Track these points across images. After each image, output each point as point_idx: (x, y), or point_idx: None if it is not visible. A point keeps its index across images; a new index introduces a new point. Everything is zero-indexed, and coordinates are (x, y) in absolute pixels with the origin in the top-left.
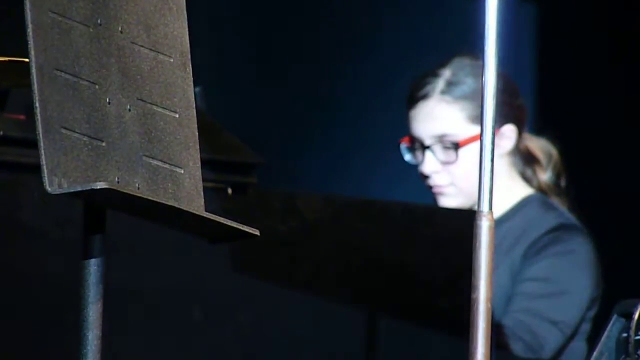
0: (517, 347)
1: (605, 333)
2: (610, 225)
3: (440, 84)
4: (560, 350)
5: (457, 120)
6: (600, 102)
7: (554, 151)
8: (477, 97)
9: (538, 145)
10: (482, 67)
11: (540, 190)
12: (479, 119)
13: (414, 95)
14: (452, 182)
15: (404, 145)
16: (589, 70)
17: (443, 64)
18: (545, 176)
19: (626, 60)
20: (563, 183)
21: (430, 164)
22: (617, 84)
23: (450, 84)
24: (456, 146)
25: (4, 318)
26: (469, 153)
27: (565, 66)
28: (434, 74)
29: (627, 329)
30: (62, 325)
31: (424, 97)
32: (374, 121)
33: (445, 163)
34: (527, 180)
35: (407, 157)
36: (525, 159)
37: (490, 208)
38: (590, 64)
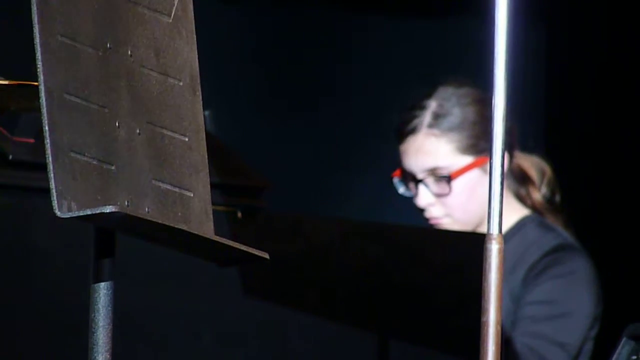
0: None
1: (615, 356)
2: (608, 242)
3: (427, 117)
4: None
5: (446, 153)
6: (607, 121)
7: (547, 168)
8: (465, 127)
9: (531, 163)
10: (491, 90)
11: (535, 208)
12: (469, 149)
13: (402, 130)
14: (447, 213)
15: (397, 179)
16: (595, 91)
17: (428, 94)
18: (539, 194)
19: (634, 82)
20: (557, 199)
21: (424, 198)
22: (626, 103)
23: (438, 117)
24: (448, 179)
25: (13, 340)
26: (462, 183)
27: (573, 87)
28: (420, 106)
29: (636, 351)
30: (72, 349)
31: (412, 131)
32: (383, 145)
33: (439, 195)
34: (521, 199)
35: (401, 190)
36: (518, 179)
37: (500, 231)
38: (597, 86)
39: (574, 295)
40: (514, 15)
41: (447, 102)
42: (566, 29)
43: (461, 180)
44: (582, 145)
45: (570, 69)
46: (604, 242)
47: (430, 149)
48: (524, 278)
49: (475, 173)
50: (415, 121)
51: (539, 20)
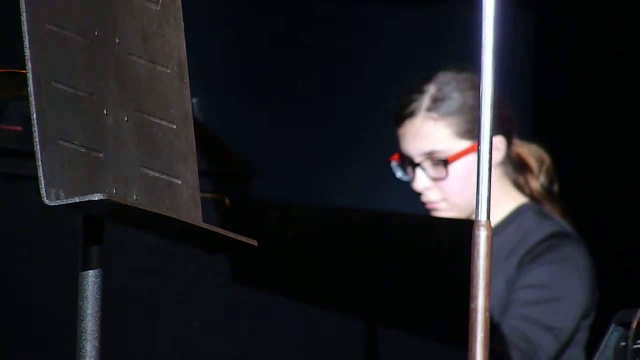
0: (513, 354)
1: (604, 342)
2: (605, 232)
3: (425, 101)
4: (557, 358)
5: (445, 137)
6: (597, 109)
7: (546, 157)
8: (464, 112)
9: (530, 152)
10: (480, 76)
11: (533, 197)
12: (467, 134)
13: (401, 114)
14: (444, 197)
15: (394, 163)
16: (585, 77)
17: (428, 79)
18: (537, 183)
19: (624, 68)
20: (556, 189)
21: (422, 182)
22: (614, 91)
23: (436, 101)
24: (446, 163)
25: (0, 328)
26: (459, 168)
27: (562, 73)
28: (419, 90)
29: (625, 338)
30: (61, 337)
31: (411, 115)
32: (372, 132)
33: (436, 180)
34: (519, 187)
35: (399, 174)
36: (517, 167)
37: (488, 218)
38: (587, 71)
39: (567, 281)
40: (502, 1)
41: (447, 86)
42: (555, 14)
43: (458, 165)
44: (571, 133)
45: (559, 55)
46: (600, 231)
47: (428, 132)
48: (518, 264)
49: (472, 158)
50: (414, 105)
51: (527, 6)
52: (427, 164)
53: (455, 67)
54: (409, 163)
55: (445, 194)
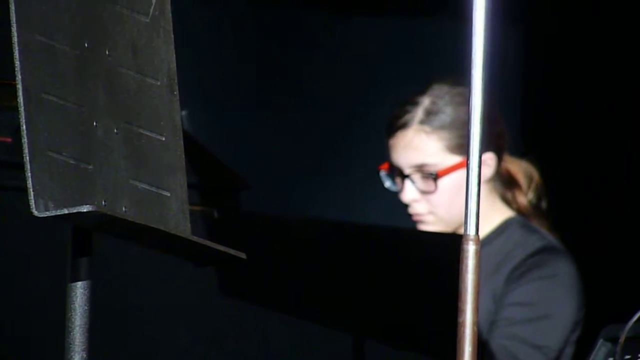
0: None
1: (592, 357)
2: (593, 246)
3: (419, 113)
4: None
5: (436, 151)
6: (586, 121)
7: (535, 173)
8: (457, 126)
9: (519, 168)
10: (469, 91)
11: (520, 212)
12: (458, 149)
13: (393, 125)
14: (431, 210)
15: (383, 173)
16: (575, 90)
17: (422, 91)
18: (525, 199)
19: (614, 81)
20: (544, 205)
21: (410, 193)
22: (604, 104)
23: (430, 114)
24: (435, 177)
25: None
26: (449, 182)
27: (552, 86)
28: (412, 102)
29: (613, 353)
30: (49, 348)
31: (403, 126)
32: (361, 144)
33: (425, 192)
34: (507, 202)
35: (387, 183)
36: (505, 183)
37: (477, 232)
38: (577, 84)
39: (555, 298)
40: (492, 15)
41: (440, 100)
42: (544, 28)
43: (448, 179)
44: (560, 145)
45: (548, 68)
46: (588, 245)
47: (419, 145)
48: (506, 279)
49: (462, 173)
50: (407, 116)
51: (517, 21)
52: (416, 176)
53: (450, 80)
54: (398, 173)
55: (433, 207)
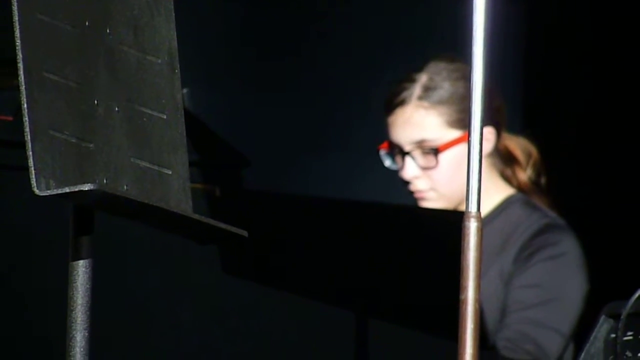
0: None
1: (594, 334)
2: (594, 223)
3: (417, 89)
4: (562, 354)
5: (435, 126)
6: (588, 99)
7: (533, 149)
8: (455, 101)
9: (517, 144)
10: (470, 67)
11: (520, 189)
12: (458, 123)
13: (391, 102)
14: (432, 187)
15: (383, 151)
16: (577, 67)
17: (419, 68)
18: (524, 175)
19: (614, 59)
20: (543, 181)
21: (410, 170)
22: (604, 81)
23: (428, 89)
24: (436, 151)
25: None
26: (449, 157)
27: (553, 63)
28: (410, 79)
29: (615, 329)
30: (50, 326)
31: (401, 103)
32: (361, 122)
33: (426, 168)
34: (507, 179)
35: (387, 162)
36: (504, 159)
37: (478, 209)
38: (579, 62)
39: (566, 278)
40: None
41: (438, 75)
42: (547, 8)
43: (448, 154)
44: (562, 125)
45: (550, 46)
46: (588, 222)
47: (418, 121)
48: (515, 258)
49: (462, 147)
50: (405, 93)
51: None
52: (416, 153)
53: (447, 57)
54: (398, 151)
55: (434, 183)
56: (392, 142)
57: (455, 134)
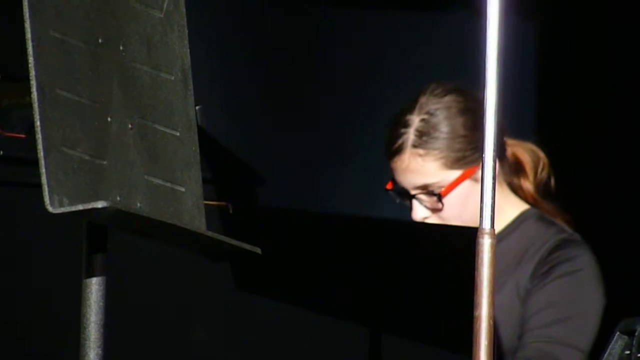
0: None
1: (608, 350)
2: (608, 236)
3: (410, 136)
4: None
5: (434, 170)
6: (600, 115)
7: (541, 153)
8: (452, 141)
9: (525, 150)
10: (483, 85)
11: (530, 197)
12: (457, 163)
13: (389, 149)
14: (444, 222)
15: (391, 192)
16: (589, 84)
17: (409, 108)
18: (532, 183)
19: (626, 74)
20: (552, 184)
21: (419, 212)
22: (617, 97)
23: (422, 135)
24: (439, 196)
25: (3, 336)
26: (454, 197)
27: (566, 81)
28: (403, 124)
29: (629, 346)
30: (64, 344)
31: (398, 151)
32: (375, 139)
33: (433, 210)
34: (514, 189)
35: (398, 201)
36: (512, 167)
37: (492, 225)
38: (591, 78)
39: (584, 294)
40: (506, 10)
41: (432, 116)
42: (559, 25)
43: (452, 195)
44: (574, 142)
45: (562, 65)
46: (602, 236)
47: (417, 168)
48: (532, 274)
49: (465, 184)
50: (400, 141)
51: (531, 16)
52: (422, 196)
53: (437, 88)
54: (405, 194)
55: (444, 221)
56: (398, 185)
57: (456, 174)
